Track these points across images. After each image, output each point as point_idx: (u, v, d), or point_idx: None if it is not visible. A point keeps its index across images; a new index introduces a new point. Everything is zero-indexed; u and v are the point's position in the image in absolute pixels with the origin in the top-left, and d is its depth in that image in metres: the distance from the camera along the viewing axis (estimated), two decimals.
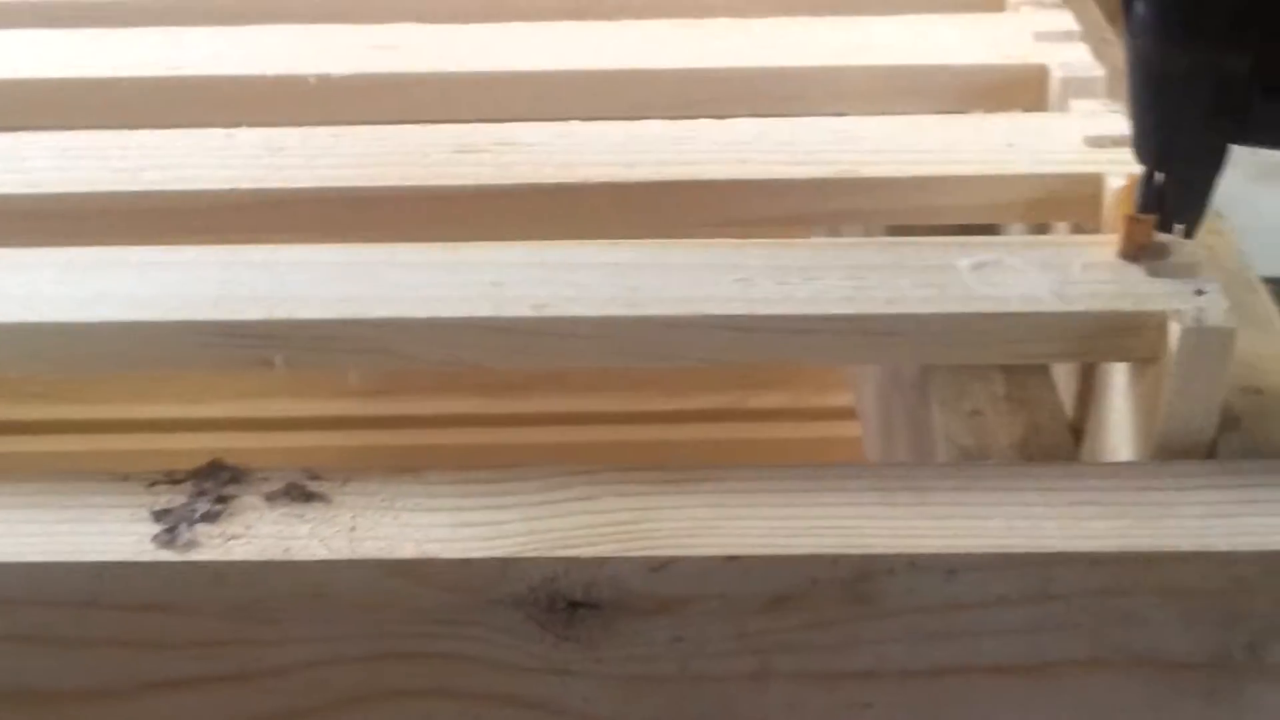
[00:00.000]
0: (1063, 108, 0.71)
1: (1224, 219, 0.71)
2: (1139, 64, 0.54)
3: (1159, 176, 0.57)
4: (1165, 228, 0.58)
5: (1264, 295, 0.67)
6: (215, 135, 0.67)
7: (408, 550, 0.52)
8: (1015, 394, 0.68)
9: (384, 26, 0.75)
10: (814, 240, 0.65)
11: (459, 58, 0.73)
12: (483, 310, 0.58)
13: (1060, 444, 0.66)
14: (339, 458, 1.03)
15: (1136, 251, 0.59)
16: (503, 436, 1.09)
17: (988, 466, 0.61)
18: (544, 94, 0.72)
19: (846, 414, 1.08)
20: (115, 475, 0.55)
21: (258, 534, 0.53)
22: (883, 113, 0.71)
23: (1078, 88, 0.71)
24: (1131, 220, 0.59)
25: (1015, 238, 0.68)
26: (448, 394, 1.08)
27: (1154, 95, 0.55)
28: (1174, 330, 0.56)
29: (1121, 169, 0.63)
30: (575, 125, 0.68)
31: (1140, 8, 0.53)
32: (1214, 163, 0.56)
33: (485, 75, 0.72)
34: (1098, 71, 0.72)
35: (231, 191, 0.64)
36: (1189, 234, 0.58)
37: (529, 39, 0.75)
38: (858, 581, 0.53)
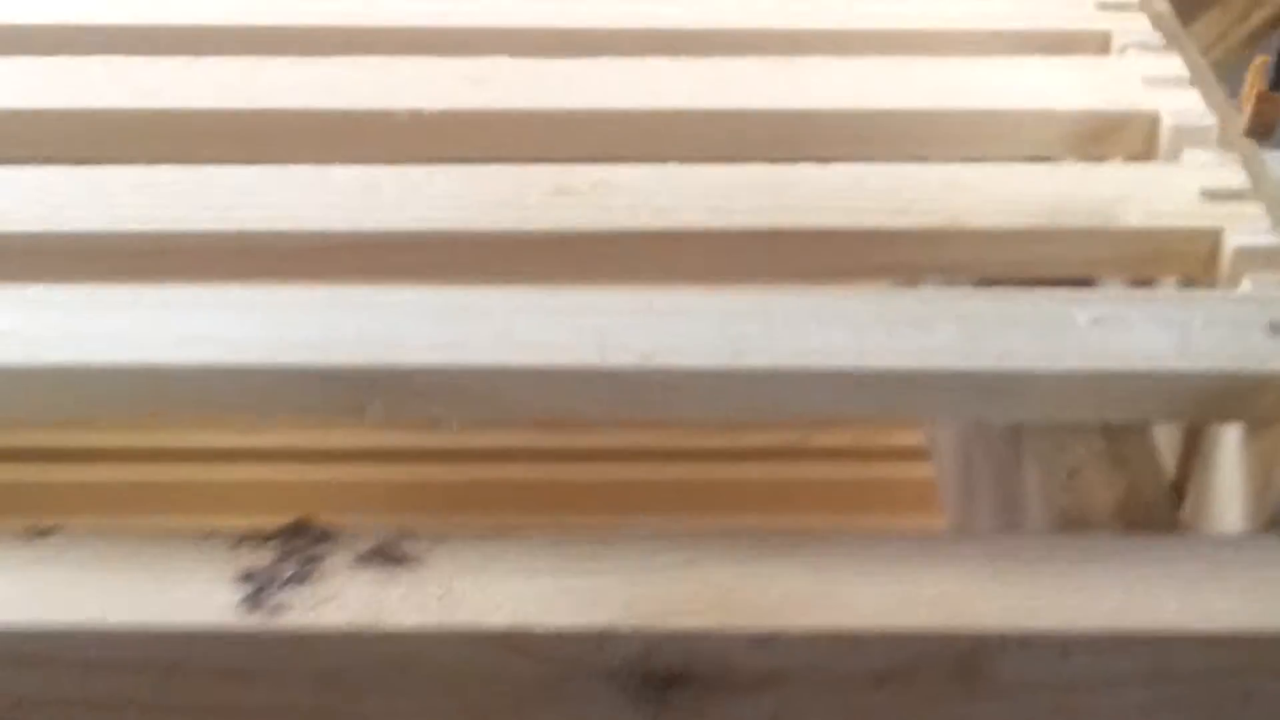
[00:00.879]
0: (1174, 157, 0.68)
1: None
2: None
3: None
4: None
5: None
6: (306, 172, 0.65)
7: (502, 619, 0.50)
8: (1115, 451, 0.66)
9: (473, 60, 0.74)
10: (923, 290, 0.63)
11: (553, 94, 0.71)
12: (589, 359, 0.55)
13: (1161, 505, 0.64)
14: (388, 491, 1.01)
15: (1265, 130, 0.58)
16: (556, 473, 1.07)
17: (1101, 538, 0.59)
18: (641, 133, 0.70)
19: (914, 454, 1.05)
20: (198, 534, 0.53)
21: (348, 599, 0.51)
22: (984, 158, 0.69)
23: (1191, 137, 0.68)
24: (1263, 97, 0.57)
25: (1131, 290, 0.65)
26: (500, 428, 1.05)
27: None
28: None
29: (1240, 224, 0.61)
30: (674, 168, 0.66)
31: None
32: None
33: (581, 113, 0.70)
34: (1210, 120, 0.69)
35: (325, 234, 0.62)
36: None
37: (620, 75, 0.73)
38: (968, 659, 0.51)
